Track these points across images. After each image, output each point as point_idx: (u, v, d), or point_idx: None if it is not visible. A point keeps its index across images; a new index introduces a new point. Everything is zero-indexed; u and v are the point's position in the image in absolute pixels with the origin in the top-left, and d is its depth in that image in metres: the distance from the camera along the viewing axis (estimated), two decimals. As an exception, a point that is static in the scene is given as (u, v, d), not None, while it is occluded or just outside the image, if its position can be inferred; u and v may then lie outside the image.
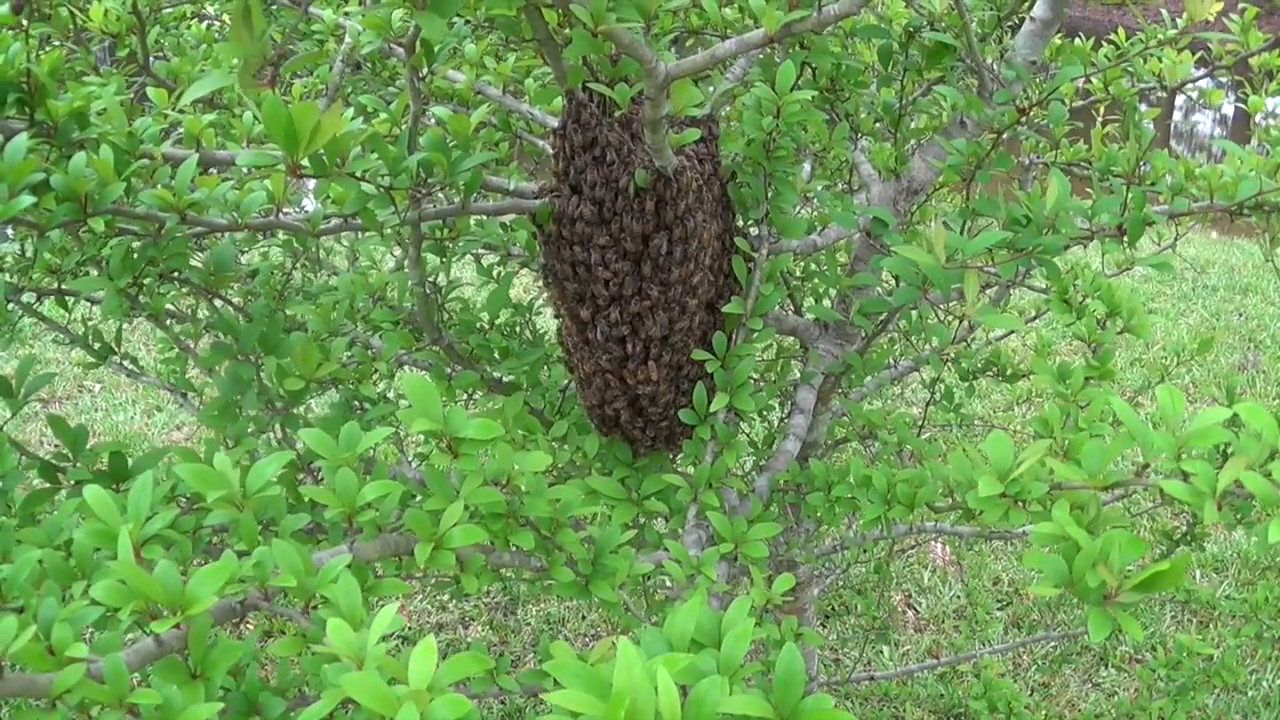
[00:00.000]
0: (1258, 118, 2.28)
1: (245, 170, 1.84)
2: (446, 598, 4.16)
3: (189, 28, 2.38)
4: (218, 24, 2.43)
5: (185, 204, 1.39)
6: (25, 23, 1.50)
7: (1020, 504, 1.26)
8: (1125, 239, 1.55)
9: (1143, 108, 2.11)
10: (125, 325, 1.96)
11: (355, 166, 1.32)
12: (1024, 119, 1.77)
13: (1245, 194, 1.58)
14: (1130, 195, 1.56)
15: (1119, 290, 1.68)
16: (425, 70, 1.47)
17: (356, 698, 0.84)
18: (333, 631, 0.94)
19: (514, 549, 1.45)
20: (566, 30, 1.53)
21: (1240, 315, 7.02)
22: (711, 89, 1.93)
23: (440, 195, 1.59)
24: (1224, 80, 2.34)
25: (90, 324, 2.02)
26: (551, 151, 1.66)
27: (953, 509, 1.61)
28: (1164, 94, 2.12)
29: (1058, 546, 1.12)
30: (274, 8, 2.24)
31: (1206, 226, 9.04)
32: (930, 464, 1.63)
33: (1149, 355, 6.25)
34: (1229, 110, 13.93)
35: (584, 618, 4.13)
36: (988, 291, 2.57)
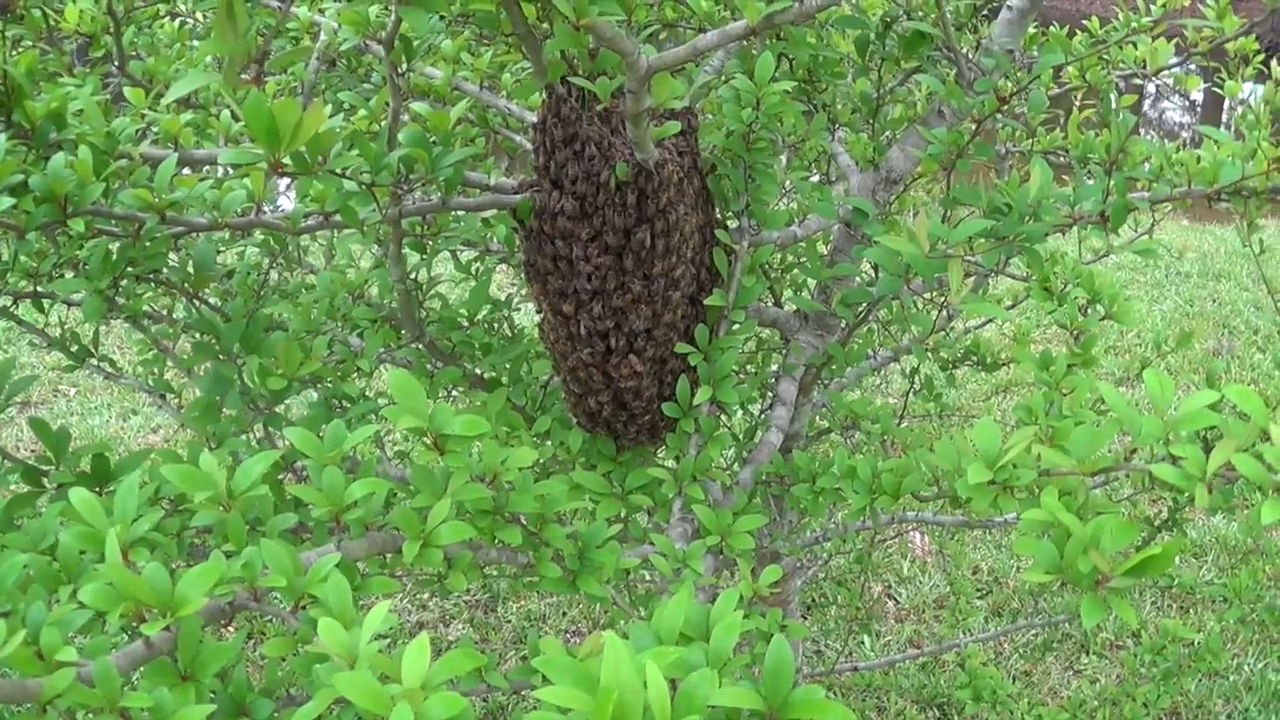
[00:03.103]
0: (1234, 100, 2.29)
1: (222, 170, 1.83)
2: (427, 596, 4.15)
3: (162, 26, 2.36)
4: (191, 21, 2.40)
5: (165, 204, 1.38)
6: (1, 25, 1.49)
7: (1009, 491, 1.26)
8: (1108, 226, 1.55)
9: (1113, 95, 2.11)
10: (101, 328, 1.95)
11: (337, 164, 1.31)
12: (1004, 107, 1.77)
13: (1227, 179, 1.58)
14: (1113, 182, 1.56)
15: (1100, 277, 1.68)
16: (404, 67, 1.46)
17: (350, 697, 0.83)
18: (324, 631, 0.94)
19: (500, 545, 1.45)
20: (545, 24, 1.52)
21: (1214, 301, 7.06)
22: (690, 82, 1.92)
23: (419, 191, 1.58)
24: (1193, 66, 2.35)
25: (67, 327, 2.00)
26: (531, 147, 1.65)
27: (938, 498, 1.61)
28: (1141, 81, 2.13)
29: (1048, 533, 1.12)
30: (250, 6, 2.22)
31: (1178, 213, 9.09)
32: (916, 452, 1.63)
33: (1123, 342, 6.28)
34: (1197, 96, 14.00)
35: (564, 614, 4.12)
36: (967, 280, 2.58)
